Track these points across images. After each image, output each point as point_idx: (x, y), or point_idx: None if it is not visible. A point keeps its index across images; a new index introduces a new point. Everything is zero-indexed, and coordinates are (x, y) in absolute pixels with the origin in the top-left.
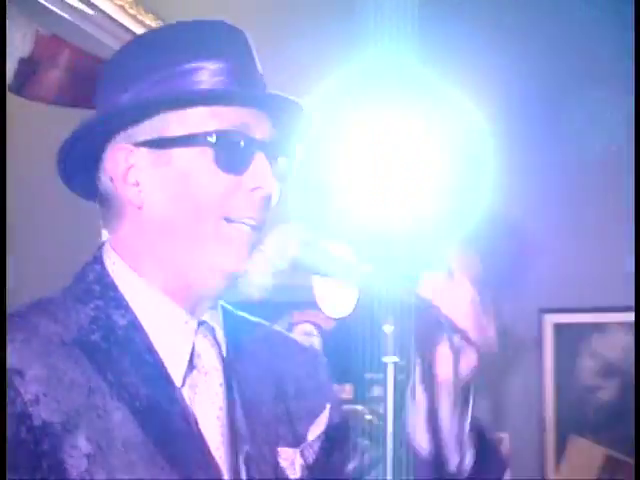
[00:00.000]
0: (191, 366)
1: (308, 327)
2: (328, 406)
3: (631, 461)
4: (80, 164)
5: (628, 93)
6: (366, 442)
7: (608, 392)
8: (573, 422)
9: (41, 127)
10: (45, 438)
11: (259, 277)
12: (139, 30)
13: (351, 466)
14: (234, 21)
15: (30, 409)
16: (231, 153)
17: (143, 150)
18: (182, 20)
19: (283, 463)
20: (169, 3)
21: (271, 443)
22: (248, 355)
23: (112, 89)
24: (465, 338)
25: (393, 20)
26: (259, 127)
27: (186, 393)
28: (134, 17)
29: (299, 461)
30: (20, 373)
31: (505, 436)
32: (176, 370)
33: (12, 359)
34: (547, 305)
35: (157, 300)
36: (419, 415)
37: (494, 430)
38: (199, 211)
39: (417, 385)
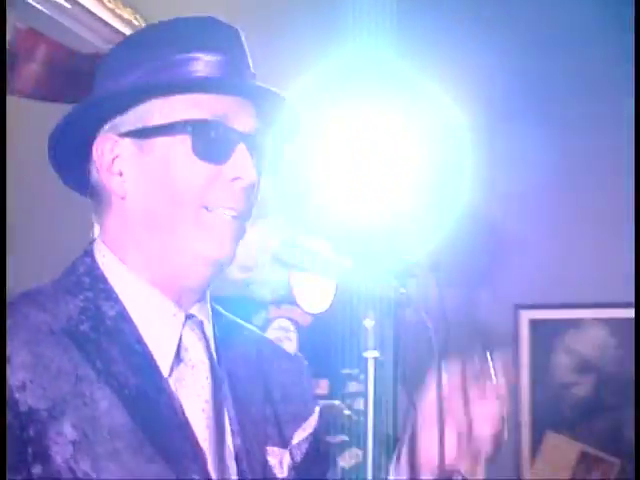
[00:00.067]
0: (178, 359)
1: (284, 322)
2: (317, 409)
3: (606, 457)
4: (71, 154)
5: (615, 87)
6: (345, 438)
7: (583, 388)
8: (549, 418)
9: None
10: (31, 424)
11: (238, 272)
12: (117, 24)
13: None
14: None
15: (16, 395)
16: (209, 142)
17: (127, 140)
18: (179, 17)
19: (272, 462)
20: None
21: (260, 442)
22: (238, 355)
23: (107, 79)
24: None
25: (371, 14)
26: (242, 119)
27: (173, 385)
28: (112, 11)
29: (287, 460)
30: (7, 359)
31: None
32: (163, 361)
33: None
34: (523, 301)
35: (146, 292)
36: None
37: None
38: (178, 199)
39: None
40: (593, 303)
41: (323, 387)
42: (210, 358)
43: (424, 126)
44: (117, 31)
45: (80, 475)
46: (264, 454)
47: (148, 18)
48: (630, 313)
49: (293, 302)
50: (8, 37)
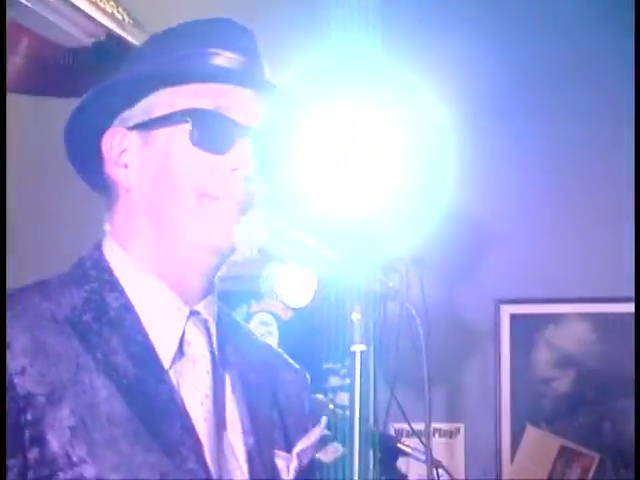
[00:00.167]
0: (180, 352)
1: (266, 317)
2: (324, 419)
3: (586, 451)
4: (85, 148)
5: (603, 82)
6: (327, 432)
7: (564, 383)
8: (529, 412)
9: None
10: (28, 408)
11: (224, 266)
12: (100, 17)
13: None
14: (198, 10)
15: (15, 380)
16: (208, 132)
17: (134, 133)
18: (198, 18)
19: (279, 464)
20: None
21: (269, 444)
22: (248, 359)
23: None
24: None
25: (355, 9)
26: (246, 111)
27: (173, 377)
28: (95, 4)
29: (294, 465)
30: (7, 344)
31: (461, 426)
32: (165, 354)
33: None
34: (503, 296)
35: (152, 285)
36: None
37: (450, 420)
38: (178, 188)
39: None
40: (574, 298)
41: None
42: (212, 353)
43: (408, 122)
44: (100, 25)
45: (76, 460)
46: (272, 456)
47: (131, 11)
48: (610, 307)
49: (274, 296)
50: None
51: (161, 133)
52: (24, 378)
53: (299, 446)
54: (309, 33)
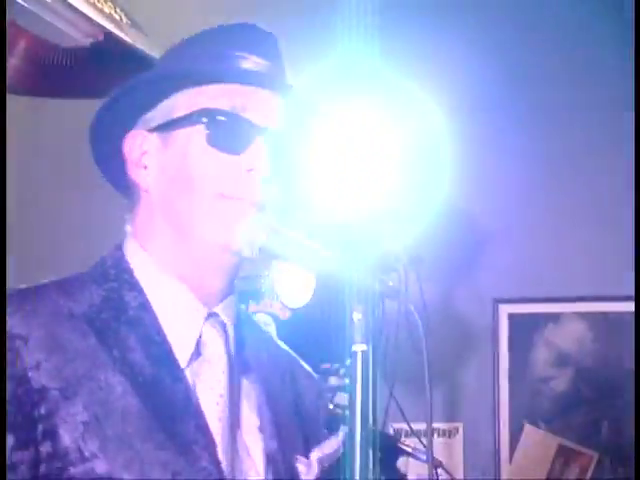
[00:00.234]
0: (197, 353)
1: (264, 317)
2: (342, 434)
3: (584, 450)
4: (108, 147)
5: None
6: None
7: (562, 382)
8: (527, 412)
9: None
10: (42, 402)
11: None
12: (97, 18)
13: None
14: (196, 13)
15: (30, 373)
16: (224, 132)
17: (154, 135)
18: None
19: (301, 469)
20: None
21: (291, 448)
22: (266, 361)
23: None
24: None
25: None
26: (263, 112)
27: (189, 376)
28: (93, 5)
29: (315, 470)
30: (24, 338)
31: (459, 425)
32: (182, 353)
33: (18, 326)
34: (502, 295)
35: (171, 286)
36: None
37: (448, 420)
38: (194, 187)
39: None
40: (572, 297)
41: None
42: (228, 354)
43: (404, 121)
44: (97, 25)
45: (87, 455)
46: (294, 461)
47: (128, 12)
48: (608, 307)
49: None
50: None
51: (180, 134)
52: (39, 372)
53: (317, 452)
54: (310, 42)
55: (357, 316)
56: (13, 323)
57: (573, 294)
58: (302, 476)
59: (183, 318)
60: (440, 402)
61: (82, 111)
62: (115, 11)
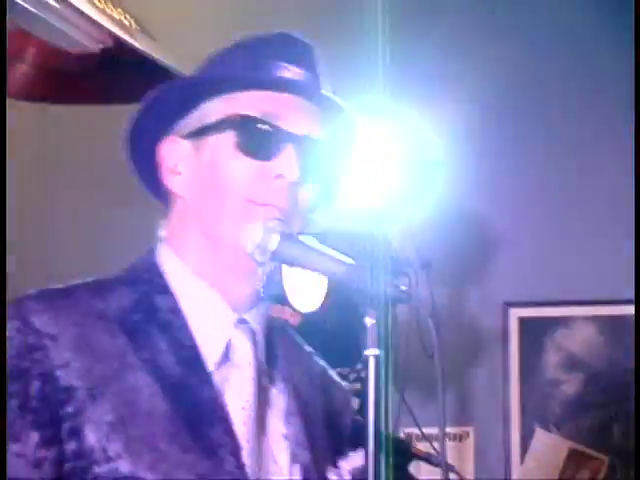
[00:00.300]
0: (225, 358)
1: None
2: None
3: (595, 454)
4: (144, 153)
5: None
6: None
7: (573, 385)
8: (538, 415)
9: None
10: (70, 401)
11: None
12: (107, 24)
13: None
14: (207, 18)
15: (58, 372)
16: (253, 139)
17: (187, 142)
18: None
19: (332, 478)
20: None
21: (323, 458)
22: (298, 371)
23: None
24: None
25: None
26: (296, 121)
27: (217, 381)
28: (102, 11)
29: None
30: (53, 338)
31: (470, 430)
32: (210, 357)
33: (48, 325)
34: (512, 299)
35: (203, 291)
36: None
37: (459, 424)
38: (224, 193)
39: None
40: (582, 301)
41: None
42: (257, 361)
43: (412, 125)
44: (107, 31)
45: (112, 455)
46: (325, 471)
47: (138, 18)
48: (619, 310)
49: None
50: None
51: (211, 140)
52: (68, 371)
53: (348, 464)
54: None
55: (370, 321)
56: (43, 322)
57: (584, 298)
58: None
59: (213, 323)
60: (451, 406)
61: (82, 114)
62: (125, 17)
